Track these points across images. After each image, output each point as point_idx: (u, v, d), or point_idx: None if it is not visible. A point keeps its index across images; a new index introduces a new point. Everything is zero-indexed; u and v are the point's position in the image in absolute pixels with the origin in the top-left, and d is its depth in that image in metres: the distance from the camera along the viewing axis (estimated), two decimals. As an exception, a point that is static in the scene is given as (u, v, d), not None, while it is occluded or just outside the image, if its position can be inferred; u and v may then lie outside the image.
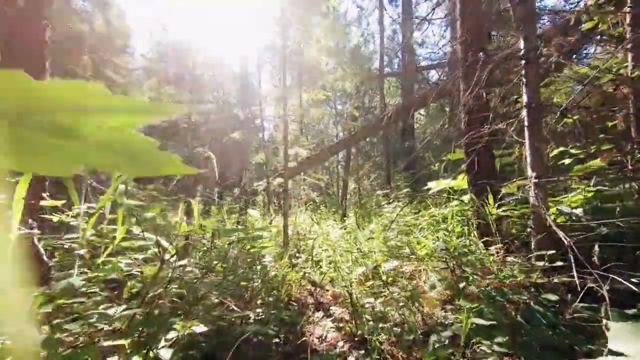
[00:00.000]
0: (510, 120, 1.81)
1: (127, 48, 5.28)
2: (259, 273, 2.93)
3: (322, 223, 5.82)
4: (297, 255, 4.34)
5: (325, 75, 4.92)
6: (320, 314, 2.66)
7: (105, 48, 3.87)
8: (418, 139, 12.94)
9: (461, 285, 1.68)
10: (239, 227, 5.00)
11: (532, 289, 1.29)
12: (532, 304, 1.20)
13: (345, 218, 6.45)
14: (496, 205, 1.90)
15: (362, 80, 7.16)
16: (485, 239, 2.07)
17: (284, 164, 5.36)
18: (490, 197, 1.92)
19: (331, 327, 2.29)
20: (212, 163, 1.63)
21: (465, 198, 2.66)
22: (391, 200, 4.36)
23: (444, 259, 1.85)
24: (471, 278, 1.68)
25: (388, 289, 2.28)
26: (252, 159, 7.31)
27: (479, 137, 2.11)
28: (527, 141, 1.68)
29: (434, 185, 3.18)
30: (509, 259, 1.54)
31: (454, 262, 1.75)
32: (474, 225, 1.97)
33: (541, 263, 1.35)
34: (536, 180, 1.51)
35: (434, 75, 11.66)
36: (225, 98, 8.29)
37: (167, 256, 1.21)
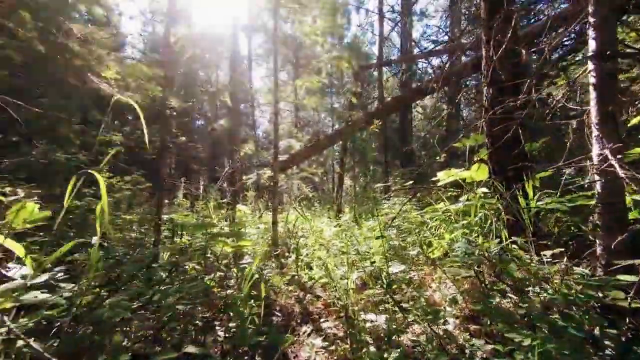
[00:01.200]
0: (565, 81, 1.37)
1: (99, 19, 4.76)
2: (236, 277, 2.47)
3: (315, 220, 5.38)
4: (287, 254, 3.89)
5: (321, 55, 4.45)
6: (308, 327, 2.21)
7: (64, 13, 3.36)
8: (416, 135, 12.56)
9: (494, 301, 1.23)
10: (224, 222, 4.53)
11: (627, 320, 0.85)
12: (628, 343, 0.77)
13: (340, 215, 6.01)
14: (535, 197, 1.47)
15: (360, 67, 6.70)
16: (513, 239, 1.62)
17: (274, 154, 4.89)
18: (530, 186, 1.48)
19: (321, 347, 1.84)
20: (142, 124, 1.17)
21: (480, 191, 2.21)
22: (391, 195, 3.93)
23: (468, 265, 1.41)
24: (507, 292, 1.23)
25: (392, 299, 1.83)
26: (243, 151, 6.81)
27: (508, 112, 1.67)
28: (593, 105, 1.24)
29: (443, 177, 2.72)
30: (576, 269, 1.11)
31: (486, 270, 1.31)
32: (504, 223, 1.54)
33: (630, 277, 0.92)
34: (618, 156, 1.07)
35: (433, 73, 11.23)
36: (213, 82, 7.78)
37: (15, 269, 0.73)
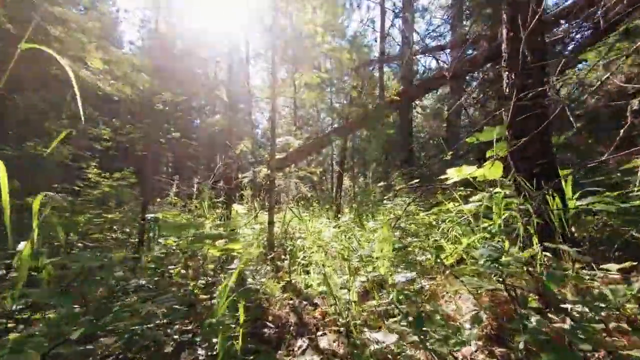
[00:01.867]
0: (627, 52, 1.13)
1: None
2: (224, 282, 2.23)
3: (313, 220, 5.14)
4: (283, 257, 3.65)
5: (321, 49, 4.21)
6: (303, 341, 1.96)
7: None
8: (416, 135, 12.34)
9: (531, 323, 1.00)
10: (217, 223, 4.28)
11: None
12: None
13: (339, 215, 5.77)
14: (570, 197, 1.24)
15: (361, 63, 6.48)
16: (545, 245, 1.39)
17: (271, 151, 4.64)
18: (569, 184, 1.25)
19: (318, 368, 1.60)
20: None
21: (503, 189, 1.96)
22: (395, 193, 3.69)
23: (494, 275, 1.18)
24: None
25: (400, 312, 1.60)
26: (239, 148, 6.56)
27: (533, 98, 1.44)
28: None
29: (453, 174, 2.47)
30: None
31: (515, 282, 1.07)
32: (534, 227, 1.30)
33: None
34: None
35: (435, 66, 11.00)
36: (212, 79, 7.56)
37: None
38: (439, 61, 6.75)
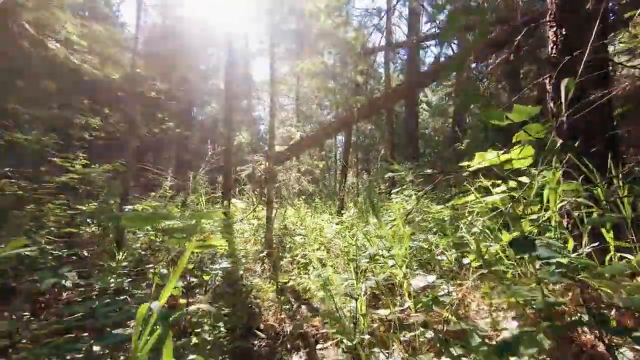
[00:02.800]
0: None
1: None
2: (204, 286, 1.91)
3: (315, 216, 4.82)
4: (281, 255, 3.34)
5: (324, 24, 3.86)
6: (300, 357, 1.64)
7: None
8: (420, 132, 11.90)
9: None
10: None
11: None
12: None
13: (343, 211, 5.44)
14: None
15: (365, 50, 6.11)
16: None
17: (270, 141, 4.31)
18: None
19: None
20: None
21: (558, 173, 1.59)
22: (404, 187, 3.34)
23: (559, 283, 0.84)
24: None
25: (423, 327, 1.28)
26: (236, 139, 6.24)
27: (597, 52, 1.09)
28: None
29: (475, 161, 2.11)
30: None
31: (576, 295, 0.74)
32: (608, 220, 0.95)
33: None
34: None
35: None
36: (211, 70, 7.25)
37: None
38: (451, 44, 6.34)
